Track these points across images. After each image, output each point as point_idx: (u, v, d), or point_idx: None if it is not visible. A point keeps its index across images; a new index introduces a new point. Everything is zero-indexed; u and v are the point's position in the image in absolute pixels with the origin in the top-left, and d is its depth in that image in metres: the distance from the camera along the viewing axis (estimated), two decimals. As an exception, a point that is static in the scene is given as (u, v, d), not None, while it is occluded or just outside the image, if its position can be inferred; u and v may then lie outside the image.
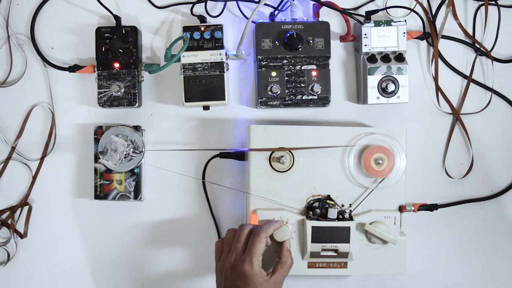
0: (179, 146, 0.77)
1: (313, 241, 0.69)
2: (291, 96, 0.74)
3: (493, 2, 0.79)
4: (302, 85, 0.74)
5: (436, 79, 0.78)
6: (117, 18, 0.76)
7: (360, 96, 0.77)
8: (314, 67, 0.74)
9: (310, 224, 0.69)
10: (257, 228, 0.65)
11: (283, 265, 0.66)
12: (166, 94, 0.78)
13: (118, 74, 0.74)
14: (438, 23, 0.78)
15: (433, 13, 0.79)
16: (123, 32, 0.74)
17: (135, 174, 0.75)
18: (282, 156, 0.70)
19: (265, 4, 0.75)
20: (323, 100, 0.74)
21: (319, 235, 0.69)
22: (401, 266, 0.72)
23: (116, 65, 0.74)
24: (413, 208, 0.73)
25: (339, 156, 0.71)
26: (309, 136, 0.71)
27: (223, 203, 0.78)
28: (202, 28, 0.74)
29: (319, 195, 0.71)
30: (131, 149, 0.73)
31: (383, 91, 0.74)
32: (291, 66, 0.74)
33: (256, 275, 0.62)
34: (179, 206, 0.78)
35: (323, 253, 0.70)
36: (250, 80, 0.78)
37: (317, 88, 0.73)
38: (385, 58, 0.74)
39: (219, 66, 0.73)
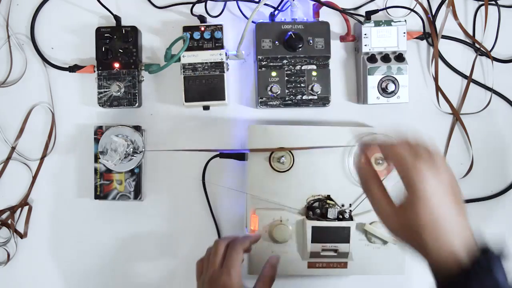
0: (179, 146, 0.77)
1: (313, 241, 0.69)
2: (291, 96, 0.74)
3: (493, 2, 0.79)
4: (302, 85, 0.74)
5: (436, 79, 0.78)
6: (117, 18, 0.76)
7: (360, 96, 0.77)
8: (314, 67, 0.74)
9: (310, 224, 0.69)
10: (232, 241, 0.63)
11: (263, 281, 0.62)
12: (166, 94, 0.78)
13: (118, 74, 0.74)
14: (438, 23, 0.78)
15: (433, 13, 0.79)
16: (123, 32, 0.74)
17: (135, 174, 0.75)
18: (282, 156, 0.70)
19: (265, 4, 0.75)
20: (323, 100, 0.74)
21: (319, 235, 0.69)
22: (401, 266, 0.72)
23: (116, 65, 0.74)
24: (413, 208, 0.73)
25: (339, 156, 0.71)
26: (309, 136, 0.71)
27: (223, 203, 0.78)
28: (202, 28, 0.74)
29: (319, 195, 0.71)
30: (131, 149, 0.73)
31: (383, 91, 0.74)
32: (291, 66, 0.74)
33: (235, 287, 0.59)
34: (179, 206, 0.78)
35: (323, 253, 0.70)
36: (250, 80, 0.78)
37: (317, 88, 0.73)
38: (385, 58, 0.74)
39: (219, 66, 0.73)
